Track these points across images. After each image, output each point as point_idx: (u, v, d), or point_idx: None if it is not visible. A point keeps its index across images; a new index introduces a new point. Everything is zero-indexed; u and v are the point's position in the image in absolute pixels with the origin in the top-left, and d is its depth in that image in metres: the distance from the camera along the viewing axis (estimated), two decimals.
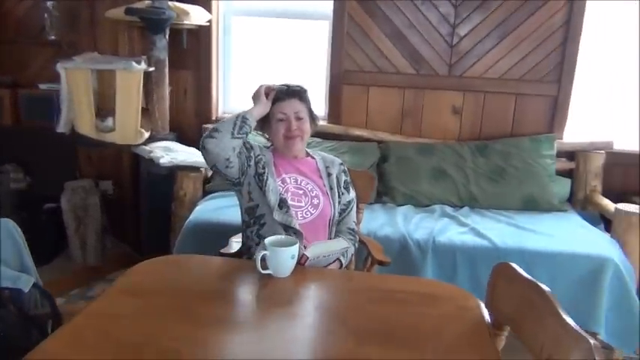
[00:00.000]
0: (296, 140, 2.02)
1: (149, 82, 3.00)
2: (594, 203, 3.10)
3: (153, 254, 3.11)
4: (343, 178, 2.11)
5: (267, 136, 2.12)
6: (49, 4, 3.32)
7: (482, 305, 1.57)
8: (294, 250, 1.65)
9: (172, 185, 3.02)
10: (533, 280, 1.42)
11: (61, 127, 2.97)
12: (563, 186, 3.12)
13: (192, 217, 2.72)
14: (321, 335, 1.40)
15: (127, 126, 2.91)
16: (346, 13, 3.27)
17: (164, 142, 3.07)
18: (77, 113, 2.91)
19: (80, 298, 3.04)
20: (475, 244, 2.53)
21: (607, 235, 2.70)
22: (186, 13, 3.02)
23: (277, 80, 2.11)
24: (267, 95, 1.99)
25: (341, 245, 1.88)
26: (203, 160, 2.91)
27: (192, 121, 3.48)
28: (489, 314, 1.52)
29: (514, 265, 1.50)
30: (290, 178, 2.02)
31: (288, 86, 2.04)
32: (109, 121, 2.93)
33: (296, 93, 2.03)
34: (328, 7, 3.35)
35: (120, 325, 1.38)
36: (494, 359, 1.33)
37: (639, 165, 3.18)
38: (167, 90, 3.11)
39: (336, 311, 1.51)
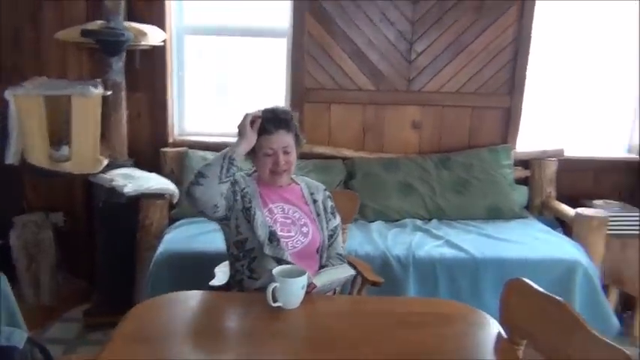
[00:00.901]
0: (283, 175, 1.98)
1: (105, 106, 2.85)
2: (551, 208, 3.26)
3: (112, 287, 3.00)
4: (329, 203, 2.08)
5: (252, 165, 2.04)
6: None
7: (494, 321, 1.61)
8: (305, 280, 1.61)
9: (133, 214, 2.88)
10: (550, 294, 1.47)
11: (10, 158, 2.75)
12: (522, 193, 3.27)
13: (163, 247, 2.60)
14: None
15: (84, 154, 2.74)
16: (306, 31, 3.26)
17: (123, 168, 2.92)
18: (28, 143, 2.70)
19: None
20: (454, 256, 2.59)
21: (569, 239, 2.85)
22: (144, 34, 2.90)
23: (259, 105, 2.00)
24: (252, 124, 1.88)
25: (347, 272, 1.85)
26: (169, 187, 2.86)
27: (148, 146, 3.32)
28: (505, 329, 1.56)
29: (527, 280, 1.55)
30: (277, 207, 1.97)
31: (274, 114, 1.95)
32: (64, 150, 2.75)
33: (283, 122, 1.95)
34: (285, 25, 3.33)
35: None
36: None
37: (591, 170, 3.41)
38: (125, 114, 2.96)
39: (360, 338, 1.48)
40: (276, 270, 1.63)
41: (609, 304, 2.71)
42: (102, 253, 3.10)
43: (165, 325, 1.53)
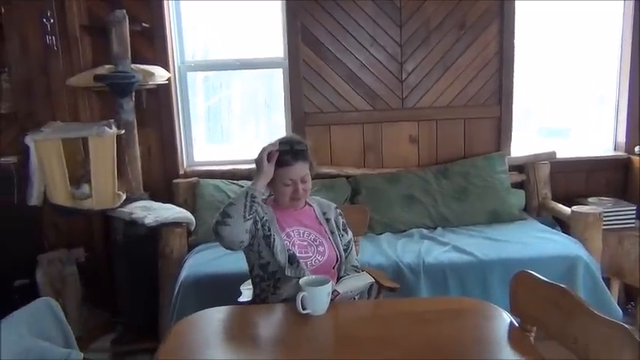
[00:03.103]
0: (302, 201, 2.10)
1: (119, 144, 3.00)
2: (548, 209, 3.42)
3: (136, 316, 3.12)
4: (341, 220, 2.21)
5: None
6: None
7: (504, 312, 1.75)
8: (329, 287, 1.75)
9: (152, 245, 3.02)
10: (554, 282, 1.62)
11: (33, 200, 2.89)
12: (519, 197, 3.43)
13: (186, 272, 2.74)
14: None
15: (104, 191, 2.88)
16: (301, 59, 3.45)
17: (141, 201, 3.07)
18: (50, 184, 2.84)
19: None
20: (461, 260, 2.74)
21: (568, 236, 3.00)
22: (151, 75, 3.08)
23: (274, 136, 2.13)
24: (268, 157, 1.96)
25: (367, 280, 1.99)
26: (187, 216, 3.00)
27: (160, 178, 3.49)
28: (516, 318, 1.70)
29: (532, 272, 1.70)
30: (293, 231, 2.08)
31: (291, 146, 2.03)
32: (85, 188, 2.89)
33: (300, 154, 2.04)
34: (280, 55, 3.52)
35: None
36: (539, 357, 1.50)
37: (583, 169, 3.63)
38: (138, 150, 3.12)
39: (385, 337, 1.61)
40: (303, 280, 1.77)
41: (611, 295, 2.85)
42: (123, 283, 3.22)
43: (205, 338, 1.66)
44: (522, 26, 3.51)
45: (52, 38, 3.20)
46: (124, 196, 2.99)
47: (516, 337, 1.60)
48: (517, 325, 1.66)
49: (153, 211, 2.94)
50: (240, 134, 3.81)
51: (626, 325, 1.36)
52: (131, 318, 3.20)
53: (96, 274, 3.41)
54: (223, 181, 3.40)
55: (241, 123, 3.82)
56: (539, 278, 1.66)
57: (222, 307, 1.87)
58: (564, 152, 3.63)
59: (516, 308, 1.71)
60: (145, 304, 3.12)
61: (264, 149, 1.99)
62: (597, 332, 1.42)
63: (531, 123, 3.81)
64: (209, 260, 2.82)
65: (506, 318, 1.70)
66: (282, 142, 2.04)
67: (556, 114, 3.80)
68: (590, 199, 3.41)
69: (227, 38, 3.65)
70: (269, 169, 1.97)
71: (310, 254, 2.05)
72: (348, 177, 3.47)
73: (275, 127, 3.67)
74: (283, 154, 2.01)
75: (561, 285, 1.59)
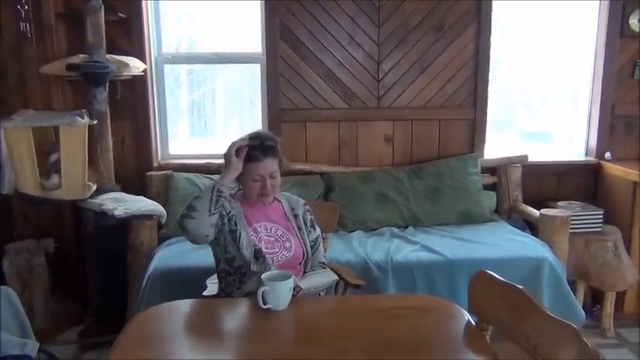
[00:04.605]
0: (270, 196, 2.11)
1: (92, 134, 2.98)
2: (519, 211, 3.47)
3: (105, 308, 3.11)
4: (309, 217, 2.21)
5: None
6: None
7: (464, 311, 1.77)
8: (291, 282, 1.76)
9: (123, 236, 3.00)
10: (510, 282, 1.64)
11: (5, 189, 2.86)
12: (490, 199, 3.48)
13: (155, 265, 2.73)
14: (342, 354, 1.51)
15: (74, 181, 2.86)
16: (279, 56, 3.45)
17: (112, 193, 3.05)
18: (19, 173, 2.82)
19: None
20: (430, 259, 2.76)
21: (536, 238, 3.05)
22: (126, 65, 3.06)
23: (244, 131, 2.11)
24: (237, 152, 1.96)
25: (331, 278, 2.00)
26: (158, 208, 2.99)
27: (133, 170, 3.47)
28: (473, 317, 1.72)
29: (490, 272, 1.72)
30: (261, 227, 2.08)
31: (261, 142, 2.03)
32: (55, 178, 2.87)
33: (269, 149, 2.04)
34: (258, 50, 3.52)
35: None
36: (491, 354, 1.52)
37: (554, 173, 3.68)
38: (110, 141, 3.10)
39: (346, 332, 1.63)
40: (265, 275, 1.78)
41: (574, 297, 2.90)
42: (93, 275, 3.20)
43: (166, 330, 1.66)
44: (506, 29, 3.56)
45: (26, 25, 3.15)
46: (95, 187, 2.97)
47: (471, 335, 1.63)
48: (473, 323, 1.69)
49: (123, 203, 2.93)
50: (224, 128, 3.80)
51: (575, 326, 1.39)
52: (100, 310, 3.18)
53: (65, 265, 3.38)
54: (197, 174, 3.39)
55: (225, 117, 3.81)
56: (497, 278, 1.69)
57: (187, 300, 1.87)
58: (537, 156, 3.67)
59: (474, 307, 1.74)
60: (114, 296, 3.10)
61: (233, 144, 1.98)
62: (548, 332, 1.45)
63: (514, 126, 3.86)
64: (178, 254, 2.81)
65: (465, 317, 1.73)
66: (251, 137, 2.04)
67: (538, 118, 3.85)
68: (559, 203, 3.46)
69: (207, 32, 3.64)
70: (237, 164, 1.97)
71: (277, 250, 2.06)
72: (322, 174, 3.48)
73: (257, 122, 3.66)
74: (252, 149, 2.01)
75: (517, 285, 1.62)
